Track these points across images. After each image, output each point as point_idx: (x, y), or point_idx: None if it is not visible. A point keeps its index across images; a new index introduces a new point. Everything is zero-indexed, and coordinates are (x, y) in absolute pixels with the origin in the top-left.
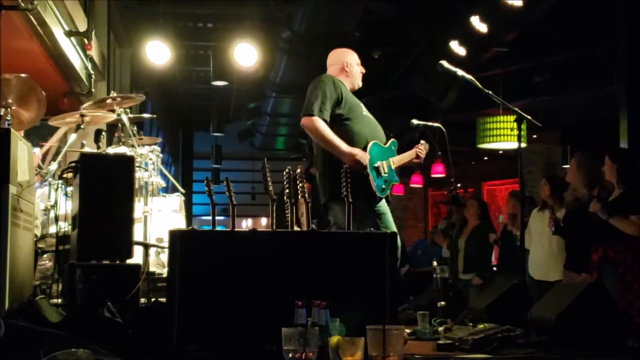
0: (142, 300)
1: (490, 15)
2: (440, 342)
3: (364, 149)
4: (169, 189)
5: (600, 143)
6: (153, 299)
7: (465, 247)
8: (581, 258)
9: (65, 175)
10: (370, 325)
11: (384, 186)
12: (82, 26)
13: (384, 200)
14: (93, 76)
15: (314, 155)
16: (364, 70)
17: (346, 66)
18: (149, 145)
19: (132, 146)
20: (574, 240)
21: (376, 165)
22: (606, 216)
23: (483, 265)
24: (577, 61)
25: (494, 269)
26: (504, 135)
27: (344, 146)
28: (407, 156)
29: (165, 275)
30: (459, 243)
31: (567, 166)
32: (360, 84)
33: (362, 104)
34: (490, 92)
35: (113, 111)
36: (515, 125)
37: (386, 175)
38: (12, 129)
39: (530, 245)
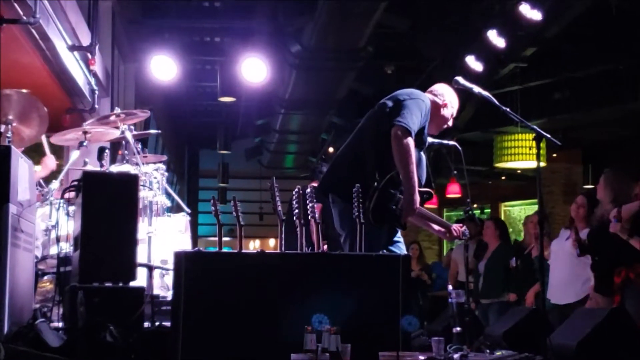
0: (146, 324)
1: (508, 30)
2: None
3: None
4: (174, 209)
5: (623, 162)
6: (157, 323)
7: (485, 271)
8: (607, 280)
9: (67, 195)
10: (383, 351)
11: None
12: (85, 40)
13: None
14: (96, 92)
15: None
16: (450, 125)
17: (445, 107)
18: (154, 163)
19: (136, 164)
20: (599, 261)
21: (393, 193)
22: (626, 236)
23: (510, 287)
24: (599, 77)
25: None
26: (522, 154)
27: (415, 182)
28: (436, 222)
29: (169, 298)
30: (478, 267)
31: (588, 186)
32: (436, 133)
33: (426, 143)
34: (508, 109)
35: (117, 128)
36: (534, 143)
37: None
38: (12, 146)
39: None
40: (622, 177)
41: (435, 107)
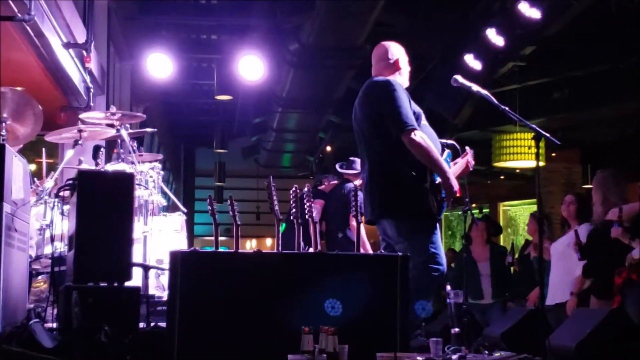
0: (141, 324)
1: (507, 28)
2: None
3: None
4: (170, 208)
5: (622, 162)
6: (152, 324)
7: (493, 271)
8: (605, 282)
9: (61, 193)
10: (381, 352)
11: (443, 205)
12: (81, 38)
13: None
14: (92, 90)
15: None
16: (410, 69)
17: (399, 62)
18: (150, 162)
19: (132, 163)
20: (597, 263)
21: (438, 182)
22: (628, 240)
23: (511, 287)
24: (598, 77)
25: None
26: (521, 154)
27: (447, 168)
28: (459, 168)
29: (165, 298)
30: (479, 267)
31: (587, 186)
32: (408, 84)
33: (422, 111)
34: (507, 108)
35: (112, 126)
36: (533, 143)
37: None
38: (7, 145)
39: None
40: (612, 179)
41: (393, 70)
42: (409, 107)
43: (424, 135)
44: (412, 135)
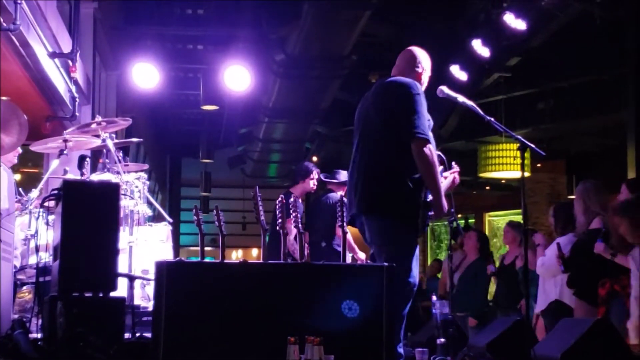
0: (126, 335)
1: (493, 39)
2: None
3: None
4: (156, 218)
5: (607, 172)
6: (138, 334)
7: (459, 283)
8: (590, 291)
9: (46, 204)
10: None
11: (427, 222)
12: (66, 47)
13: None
14: (77, 100)
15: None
16: (427, 85)
17: (422, 72)
18: (135, 172)
19: (118, 173)
20: (582, 274)
21: (429, 199)
22: (610, 256)
23: (478, 303)
24: (583, 87)
25: (490, 304)
26: (506, 164)
27: (441, 189)
28: (447, 185)
29: (150, 309)
30: (454, 278)
31: (572, 197)
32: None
33: (432, 121)
34: (492, 119)
35: (98, 136)
36: (518, 153)
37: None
38: None
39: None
40: (593, 189)
41: (414, 75)
42: (426, 117)
43: (434, 150)
44: (423, 147)
